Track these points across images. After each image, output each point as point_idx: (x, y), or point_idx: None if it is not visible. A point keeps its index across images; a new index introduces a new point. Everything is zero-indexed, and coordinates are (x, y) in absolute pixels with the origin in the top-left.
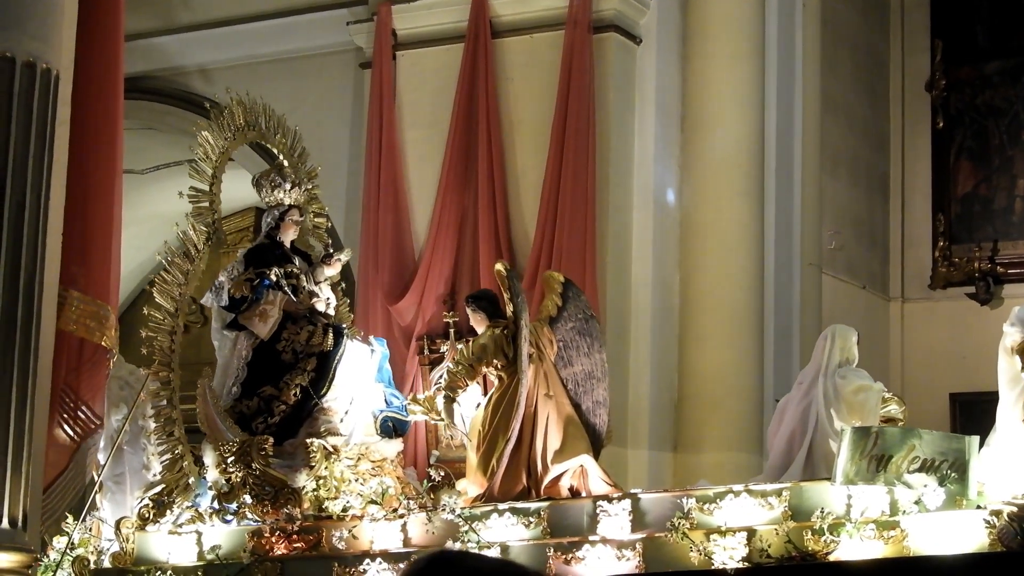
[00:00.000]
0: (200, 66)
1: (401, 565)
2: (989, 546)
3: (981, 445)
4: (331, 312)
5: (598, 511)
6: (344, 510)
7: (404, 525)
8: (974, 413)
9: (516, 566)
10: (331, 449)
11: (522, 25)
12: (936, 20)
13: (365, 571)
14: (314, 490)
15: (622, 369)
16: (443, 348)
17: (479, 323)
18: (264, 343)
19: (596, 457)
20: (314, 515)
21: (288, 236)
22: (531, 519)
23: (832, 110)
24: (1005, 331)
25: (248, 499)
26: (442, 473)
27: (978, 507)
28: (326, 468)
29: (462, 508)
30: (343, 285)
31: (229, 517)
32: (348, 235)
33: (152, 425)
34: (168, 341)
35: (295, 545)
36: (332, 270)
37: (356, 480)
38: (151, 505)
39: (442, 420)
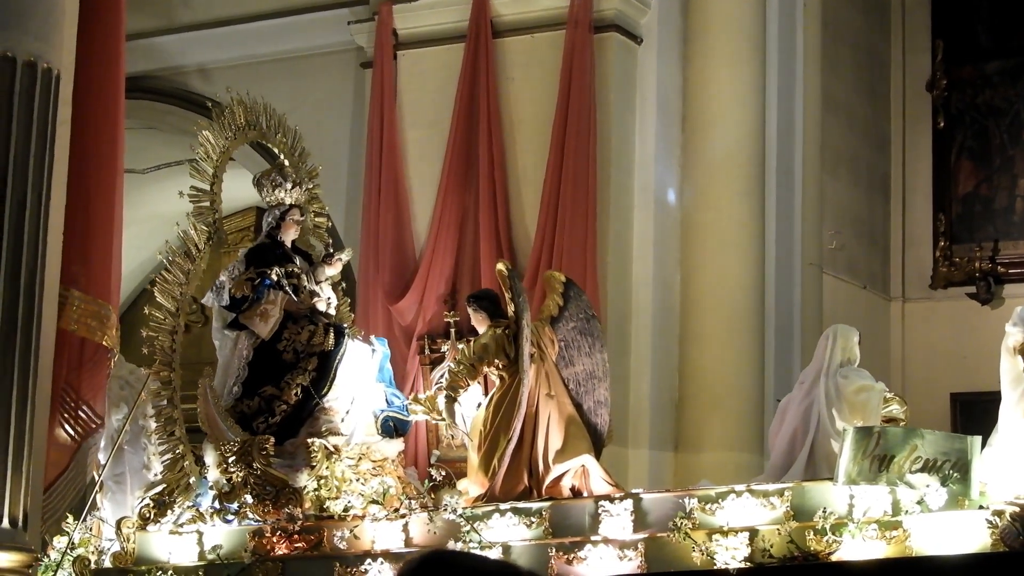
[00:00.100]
0: (201, 66)
1: None
2: (991, 546)
3: (983, 445)
4: (332, 312)
5: (600, 511)
6: (345, 510)
7: (406, 525)
8: (975, 413)
9: (511, 567)
10: (332, 449)
11: (523, 25)
12: (937, 20)
13: (367, 571)
14: (315, 490)
15: (623, 369)
16: (444, 348)
17: (480, 323)
18: (265, 343)
19: (597, 457)
20: (315, 515)
21: (289, 236)
22: (533, 519)
23: (833, 110)
24: (1007, 331)
25: (249, 499)
26: (443, 473)
27: (980, 507)
28: (327, 468)
29: (464, 508)
30: (344, 285)
31: (230, 517)
32: (348, 235)
33: (153, 425)
34: (169, 341)
35: (296, 545)
36: (333, 270)
37: (357, 480)
38: (152, 505)
39: (443, 420)
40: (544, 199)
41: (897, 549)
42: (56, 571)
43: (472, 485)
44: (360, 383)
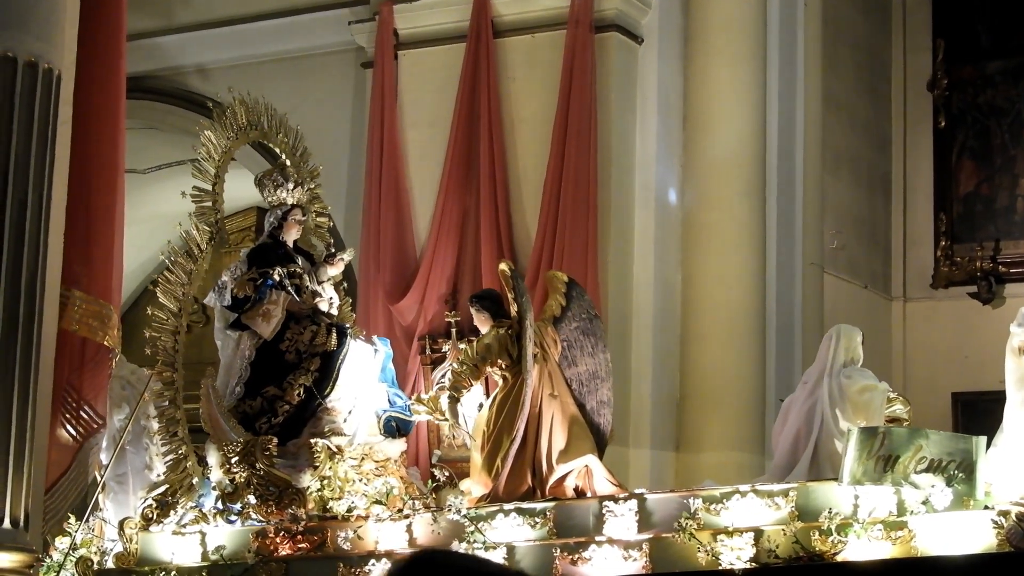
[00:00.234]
0: (202, 66)
1: None
2: (997, 546)
3: (988, 445)
4: (334, 312)
5: (604, 511)
6: (349, 510)
7: (409, 526)
8: (976, 412)
9: (501, 568)
10: (335, 449)
11: (524, 25)
12: (938, 19)
13: (370, 571)
14: (318, 490)
15: (624, 368)
16: (445, 348)
17: (483, 323)
18: (267, 343)
19: (600, 457)
20: (319, 515)
21: (291, 236)
22: (537, 519)
23: (834, 109)
24: (1012, 331)
25: (252, 499)
26: (446, 473)
27: (986, 507)
28: (330, 468)
29: (468, 508)
30: (345, 285)
31: (233, 517)
32: (349, 234)
33: (155, 425)
34: (172, 341)
35: (300, 545)
36: (335, 270)
37: (360, 480)
38: (155, 505)
39: (446, 420)
40: (545, 199)
41: (902, 549)
42: (59, 572)
43: (475, 485)
44: (363, 383)
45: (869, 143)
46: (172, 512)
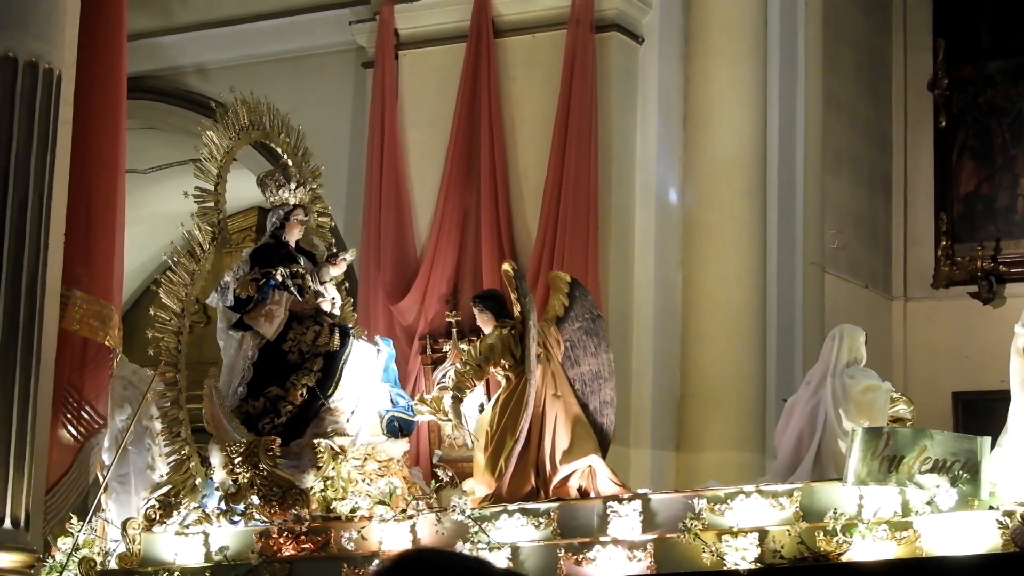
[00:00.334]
0: (202, 66)
1: None
2: (1002, 547)
3: (992, 446)
4: (336, 312)
5: (608, 512)
6: (352, 511)
7: (413, 526)
8: (977, 412)
9: (487, 565)
10: (338, 449)
11: (524, 24)
12: (938, 19)
13: None
14: (322, 491)
15: (624, 368)
16: (445, 348)
17: (486, 323)
18: (270, 343)
19: (604, 457)
20: (322, 516)
21: (293, 236)
22: (541, 520)
23: (834, 109)
24: (1017, 332)
25: (256, 500)
26: (450, 474)
27: (990, 508)
28: (333, 468)
29: (472, 509)
30: (347, 285)
31: (236, 518)
32: (349, 234)
33: (157, 425)
34: (175, 341)
35: (303, 546)
36: (337, 270)
37: (363, 480)
38: (158, 506)
39: (449, 420)
40: (545, 199)
41: (907, 550)
42: (62, 572)
43: (478, 485)
44: (365, 383)
45: (870, 143)
46: (175, 512)
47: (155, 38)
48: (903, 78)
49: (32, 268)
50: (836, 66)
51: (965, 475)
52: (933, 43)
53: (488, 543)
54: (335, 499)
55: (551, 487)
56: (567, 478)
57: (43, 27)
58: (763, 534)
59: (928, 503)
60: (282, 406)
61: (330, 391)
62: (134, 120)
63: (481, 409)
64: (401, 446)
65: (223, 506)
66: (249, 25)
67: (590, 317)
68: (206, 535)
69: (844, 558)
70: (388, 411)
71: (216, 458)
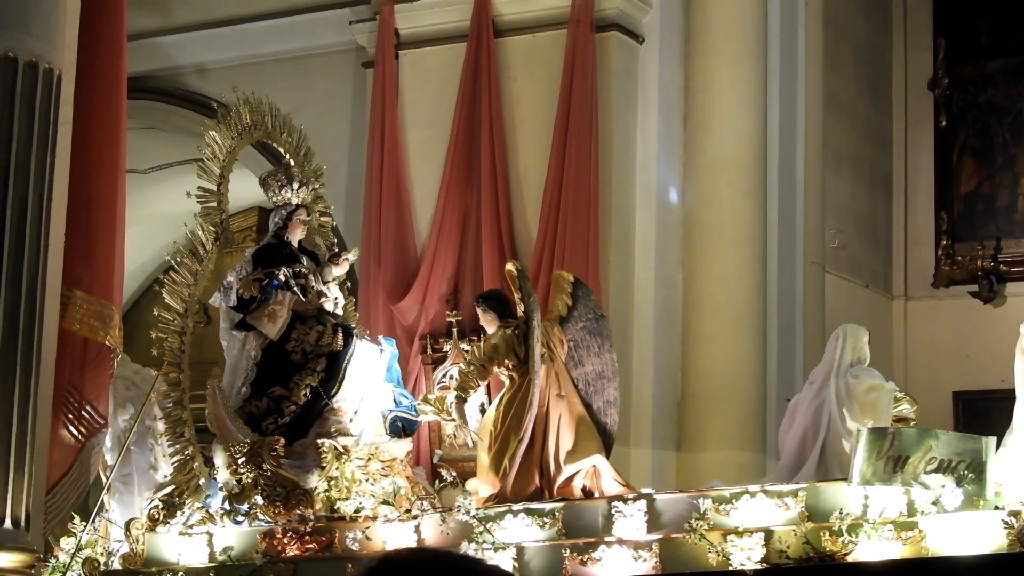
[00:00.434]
0: (202, 65)
1: None
2: (1008, 547)
3: (997, 446)
4: (339, 312)
5: (613, 512)
6: (357, 511)
7: (418, 526)
8: (977, 411)
9: (477, 563)
10: (341, 449)
11: (524, 24)
12: (939, 18)
13: None
14: (325, 491)
15: (625, 368)
16: (446, 347)
17: (489, 323)
18: (273, 343)
19: (607, 457)
20: (326, 516)
21: (296, 235)
22: (546, 520)
23: (835, 108)
24: (1021, 332)
25: (259, 500)
26: (453, 474)
27: (996, 508)
28: (337, 469)
29: (476, 509)
30: (348, 284)
31: (240, 518)
32: (350, 234)
33: (160, 426)
34: (178, 342)
35: (307, 546)
36: (340, 270)
37: (367, 480)
38: (161, 506)
39: (453, 420)
40: (546, 198)
41: (913, 550)
42: (65, 573)
43: (482, 485)
44: (368, 383)
45: (870, 142)
46: (179, 513)
47: (155, 38)
48: (903, 78)
49: (32, 268)
50: (836, 66)
51: (970, 475)
52: (933, 43)
53: (493, 543)
54: (339, 499)
55: (555, 487)
56: (571, 478)
57: (43, 27)
58: (768, 534)
59: (933, 503)
60: (286, 406)
61: (334, 391)
62: (134, 120)
63: (482, 410)
64: (404, 446)
65: (227, 506)
66: (249, 25)
67: (593, 317)
68: (210, 535)
69: (850, 558)
70: (391, 411)
71: (220, 458)
